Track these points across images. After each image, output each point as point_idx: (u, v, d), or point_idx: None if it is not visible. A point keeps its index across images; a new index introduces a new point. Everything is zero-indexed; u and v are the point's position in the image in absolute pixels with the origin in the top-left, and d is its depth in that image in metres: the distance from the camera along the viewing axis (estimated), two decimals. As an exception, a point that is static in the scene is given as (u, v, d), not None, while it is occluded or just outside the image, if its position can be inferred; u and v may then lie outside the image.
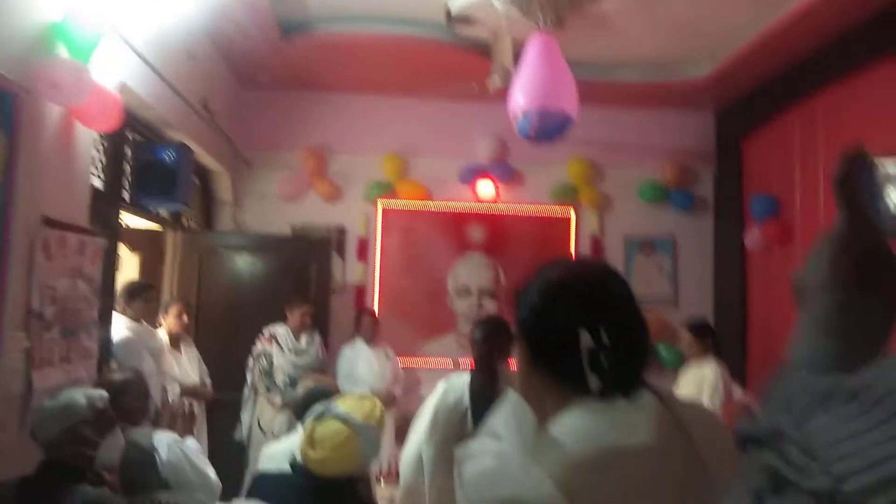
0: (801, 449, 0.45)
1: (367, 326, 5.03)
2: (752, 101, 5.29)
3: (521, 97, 3.48)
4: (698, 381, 4.00)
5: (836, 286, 0.62)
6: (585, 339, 0.91)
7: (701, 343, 4.10)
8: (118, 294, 3.78)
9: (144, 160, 3.79)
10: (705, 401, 3.81)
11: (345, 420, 2.23)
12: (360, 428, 2.23)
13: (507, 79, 3.93)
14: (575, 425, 0.89)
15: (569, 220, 5.85)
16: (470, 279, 5.80)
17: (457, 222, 5.79)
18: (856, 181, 0.60)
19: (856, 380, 0.46)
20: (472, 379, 2.34)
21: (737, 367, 4.57)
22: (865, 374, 0.46)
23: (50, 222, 2.64)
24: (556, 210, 5.83)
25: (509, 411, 0.93)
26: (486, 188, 5.73)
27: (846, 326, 0.60)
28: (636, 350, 0.96)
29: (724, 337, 5.34)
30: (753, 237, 5.09)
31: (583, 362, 0.91)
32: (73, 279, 2.83)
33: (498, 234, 5.80)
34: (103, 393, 2.27)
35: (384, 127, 5.69)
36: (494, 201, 5.80)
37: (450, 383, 2.44)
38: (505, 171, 5.73)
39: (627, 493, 0.84)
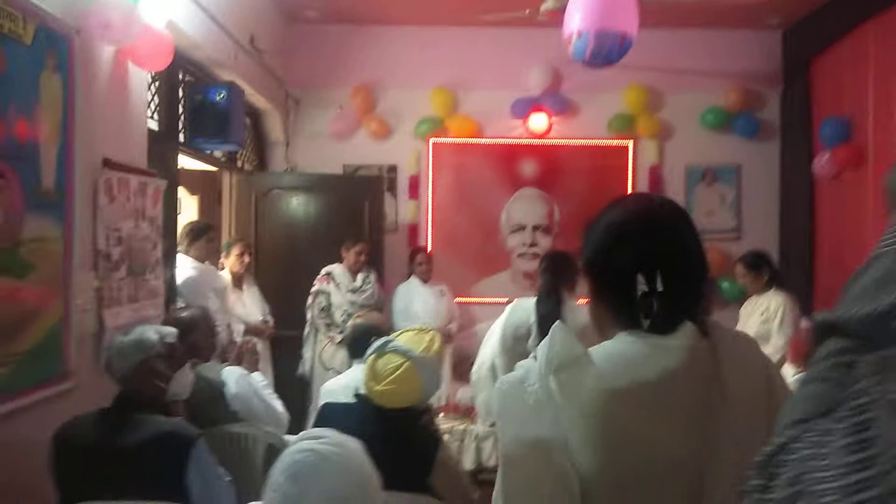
0: None
1: (421, 265, 5.03)
2: (822, 17, 4.93)
3: (577, 17, 3.31)
4: (761, 314, 3.89)
5: None
6: (641, 283, 0.99)
7: (757, 276, 3.97)
8: (180, 235, 3.86)
9: (196, 101, 3.79)
10: (773, 333, 3.71)
11: (404, 353, 2.24)
12: (419, 361, 2.24)
13: (561, 1, 3.74)
14: (608, 351, 1.00)
15: (626, 150, 5.65)
16: (523, 215, 5.71)
17: (509, 157, 5.67)
18: None
19: None
20: (538, 302, 2.45)
21: (803, 298, 4.41)
22: None
23: (110, 164, 2.68)
24: (612, 141, 5.64)
25: (550, 337, 1.00)
26: (538, 121, 5.57)
27: None
28: (689, 294, 1.02)
29: (791, 268, 5.17)
30: (822, 163, 4.83)
31: (636, 303, 0.99)
32: (136, 220, 2.88)
33: (552, 167, 5.66)
34: (173, 329, 2.32)
35: (433, 59, 5.56)
36: (547, 134, 5.64)
37: (518, 303, 2.56)
38: (558, 103, 5.54)
39: (643, 412, 0.95)
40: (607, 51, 3.30)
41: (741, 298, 4.83)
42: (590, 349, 1.00)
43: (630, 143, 5.64)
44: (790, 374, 3.13)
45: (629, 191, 5.66)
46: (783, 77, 5.54)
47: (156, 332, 2.25)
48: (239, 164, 5.15)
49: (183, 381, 2.29)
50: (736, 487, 0.69)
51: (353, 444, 1.19)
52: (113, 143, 2.75)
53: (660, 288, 0.98)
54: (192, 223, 4.06)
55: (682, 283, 1.01)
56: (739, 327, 4.00)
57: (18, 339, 2.13)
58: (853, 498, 0.41)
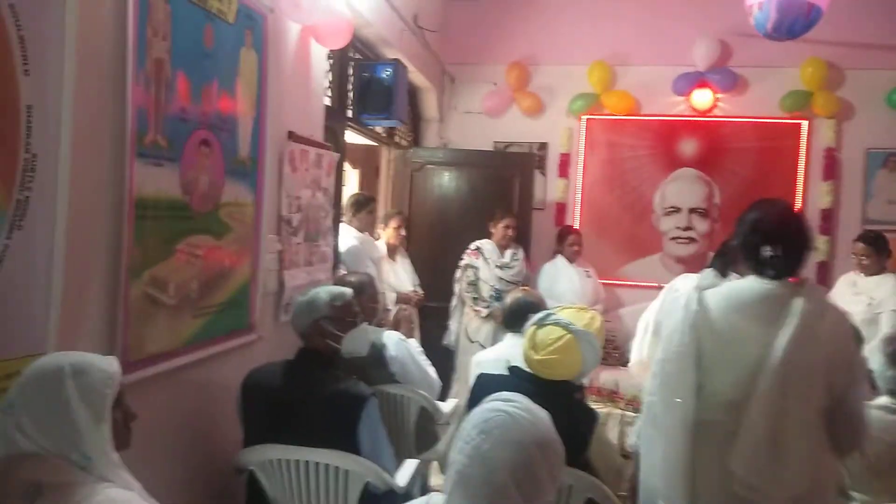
0: None
1: (572, 245, 4.98)
2: None
3: (759, -14, 3.11)
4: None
5: None
6: (765, 252, 1.87)
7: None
8: (346, 205, 4.08)
9: (364, 78, 3.97)
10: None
11: (566, 326, 2.25)
12: (580, 334, 2.24)
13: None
14: (737, 283, 1.98)
15: (799, 130, 5.25)
16: (679, 197, 5.48)
17: (668, 135, 5.45)
18: None
19: None
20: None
21: None
22: None
23: (294, 136, 2.88)
24: (784, 120, 5.26)
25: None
26: (702, 97, 5.29)
27: None
28: (793, 261, 1.89)
29: None
30: None
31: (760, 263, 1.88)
32: (313, 190, 3.09)
33: (714, 147, 5.37)
34: (348, 291, 2.47)
35: (590, 33, 5.42)
36: (711, 112, 5.36)
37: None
38: (725, 78, 5.24)
39: (742, 315, 1.87)
40: (791, 22, 3.07)
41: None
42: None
43: (804, 123, 5.22)
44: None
45: (801, 174, 5.26)
46: None
47: (327, 293, 2.41)
48: (396, 139, 5.34)
49: (356, 340, 2.43)
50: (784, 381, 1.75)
51: (540, 412, 1.22)
52: (296, 117, 2.95)
53: (777, 255, 1.86)
54: (356, 195, 4.27)
55: (788, 254, 1.88)
56: None
57: (216, 292, 2.37)
58: None
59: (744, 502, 1.77)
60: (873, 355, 2.36)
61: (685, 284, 2.37)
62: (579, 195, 5.63)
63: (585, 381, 5.00)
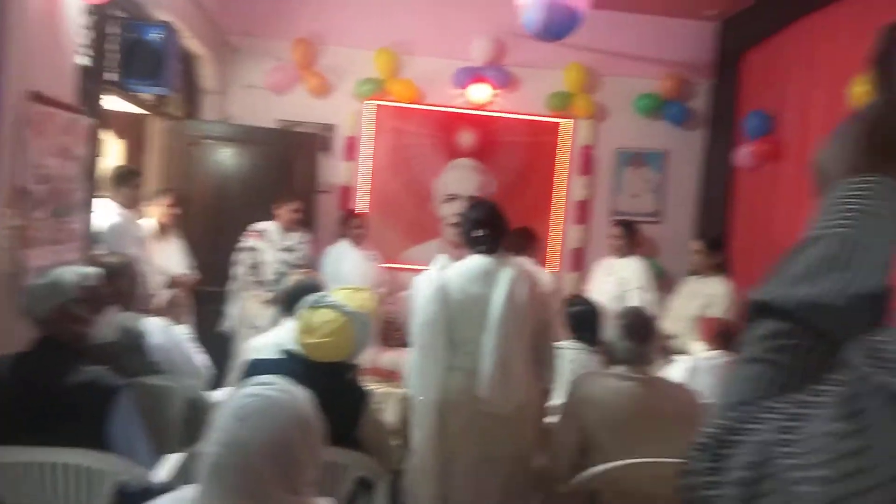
0: None
1: (356, 228, 5.00)
2: (755, 13, 5.14)
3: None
4: (706, 296, 4.07)
5: (861, 168, 0.57)
6: (476, 233, 2.68)
7: (711, 258, 4.18)
8: (108, 179, 3.70)
9: (130, 39, 3.61)
10: (714, 313, 3.92)
11: (339, 309, 2.26)
12: (354, 315, 2.27)
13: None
14: (464, 261, 2.71)
15: (562, 128, 5.76)
16: (458, 185, 5.75)
17: (448, 126, 5.68)
18: (894, 59, 0.55)
19: None
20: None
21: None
22: None
23: (38, 97, 2.54)
24: (550, 118, 5.74)
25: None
26: (480, 92, 5.59)
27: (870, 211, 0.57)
28: (496, 240, 2.67)
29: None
30: (744, 154, 5.08)
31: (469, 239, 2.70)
32: (61, 159, 2.75)
33: (490, 140, 5.71)
34: (96, 270, 2.25)
35: (378, 19, 5.47)
36: (488, 106, 5.68)
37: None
38: (500, 75, 5.58)
39: (465, 279, 2.67)
40: (558, 25, 3.35)
41: (666, 277, 5.11)
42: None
43: (567, 122, 5.75)
44: (700, 351, 3.32)
45: (563, 169, 5.78)
46: (715, 68, 5.75)
47: (75, 273, 2.18)
48: (168, 109, 4.94)
49: (107, 326, 2.23)
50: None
51: (300, 393, 1.21)
52: (42, 75, 2.59)
53: (483, 233, 2.64)
54: (120, 167, 3.90)
55: (492, 235, 2.66)
56: (676, 304, 4.25)
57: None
58: (838, 487, 0.39)
59: (485, 416, 2.56)
60: (609, 328, 2.68)
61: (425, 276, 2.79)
62: (365, 179, 5.67)
63: (365, 363, 5.11)
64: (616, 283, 4.58)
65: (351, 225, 5.02)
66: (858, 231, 0.55)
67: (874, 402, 0.40)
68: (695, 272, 4.29)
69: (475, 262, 2.66)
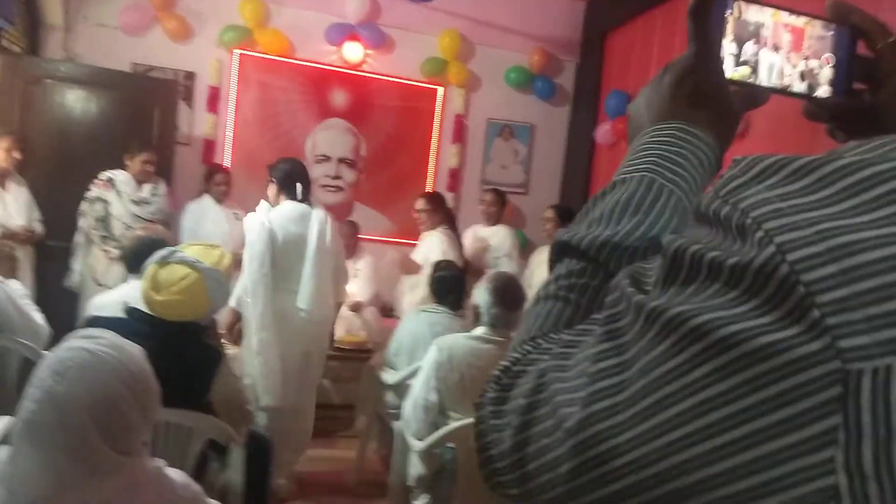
0: (723, 223, 0.40)
1: (219, 185, 4.76)
2: (621, -5, 5.37)
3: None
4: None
5: (669, 117, 0.59)
6: (298, 186, 3.41)
7: (561, 226, 4.35)
8: None
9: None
10: None
11: (192, 265, 2.15)
12: (208, 272, 2.16)
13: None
14: (281, 206, 3.36)
15: (435, 95, 5.76)
16: (329, 146, 5.62)
17: (320, 83, 5.51)
18: (710, 13, 0.56)
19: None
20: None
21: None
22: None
23: None
24: (424, 84, 5.71)
25: None
26: (353, 51, 5.46)
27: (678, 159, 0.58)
28: (307, 189, 3.42)
29: (566, 225, 5.70)
30: (604, 132, 5.33)
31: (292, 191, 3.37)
32: None
33: (363, 101, 5.60)
34: None
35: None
36: (361, 66, 5.57)
37: None
38: (374, 35, 5.47)
39: (289, 224, 3.30)
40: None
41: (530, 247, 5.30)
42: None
43: (440, 89, 5.75)
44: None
45: (435, 136, 5.80)
46: (581, 47, 5.97)
47: None
48: (3, 44, 4.42)
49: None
50: None
51: (131, 348, 1.13)
52: None
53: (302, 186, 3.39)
54: None
55: (305, 185, 3.40)
56: (528, 273, 4.39)
57: None
58: (595, 405, 0.40)
59: (306, 322, 3.23)
60: (479, 292, 2.73)
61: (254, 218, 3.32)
62: (230, 133, 5.40)
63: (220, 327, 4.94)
64: (483, 248, 4.71)
65: (214, 181, 4.78)
66: (659, 175, 0.57)
67: (631, 319, 0.41)
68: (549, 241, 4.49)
69: (294, 206, 3.31)
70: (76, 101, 4.62)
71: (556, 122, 6.05)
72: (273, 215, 3.26)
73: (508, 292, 2.69)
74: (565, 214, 4.46)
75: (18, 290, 2.87)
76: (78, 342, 1.06)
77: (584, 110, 5.85)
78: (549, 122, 6.03)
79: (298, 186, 3.34)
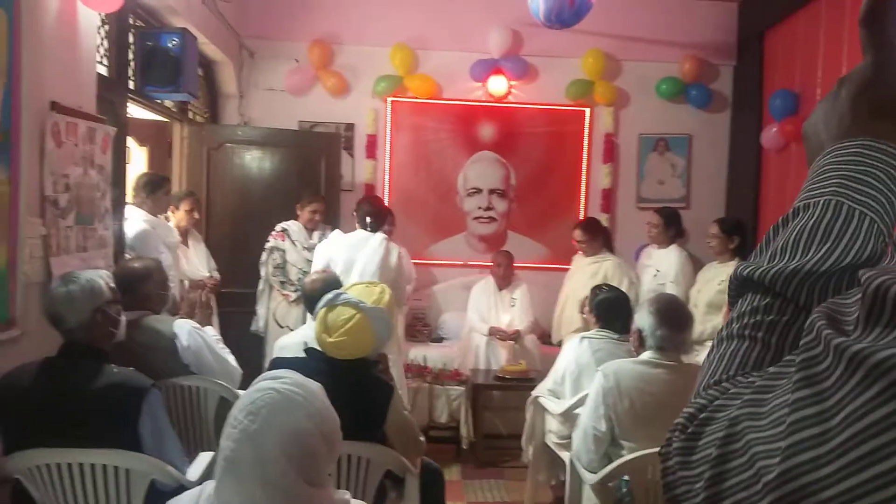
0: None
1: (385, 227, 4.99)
2: (777, -10, 5.03)
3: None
4: (719, 283, 3.96)
5: (852, 133, 0.54)
6: (367, 219, 4.26)
7: (727, 241, 4.08)
8: (136, 186, 3.76)
9: (148, 47, 3.66)
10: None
11: (355, 305, 2.26)
12: (370, 311, 2.26)
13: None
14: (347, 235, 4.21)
15: (583, 116, 5.70)
16: (480, 179, 5.73)
17: (468, 119, 5.66)
18: (885, 17, 0.52)
19: None
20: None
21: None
22: None
23: (58, 108, 2.58)
24: (569, 107, 5.68)
25: None
26: (497, 84, 5.56)
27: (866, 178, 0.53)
28: (381, 222, 4.31)
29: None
30: (771, 135, 4.98)
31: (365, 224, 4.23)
32: (84, 167, 2.80)
33: (510, 131, 5.68)
34: (107, 272, 2.29)
35: (393, 16, 5.47)
36: (506, 98, 5.65)
37: None
38: (518, 66, 5.54)
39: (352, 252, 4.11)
40: (559, 11, 3.30)
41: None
42: None
43: (587, 110, 5.69)
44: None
45: (585, 157, 5.73)
46: (737, 49, 5.65)
47: (99, 277, 2.21)
48: (190, 115, 5.01)
49: (138, 328, 2.26)
50: None
51: (312, 386, 1.21)
52: (61, 85, 2.64)
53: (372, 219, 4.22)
54: (148, 174, 3.95)
55: (376, 219, 4.23)
56: (693, 291, 4.16)
57: (-39, 283, 2.07)
58: (798, 457, 0.37)
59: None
60: (641, 316, 2.62)
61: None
62: (387, 176, 5.68)
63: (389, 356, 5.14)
64: (652, 274, 4.51)
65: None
66: (846, 198, 0.52)
67: (830, 364, 0.38)
68: (716, 256, 4.20)
69: (355, 234, 4.07)
70: (252, 161, 5.09)
71: (716, 130, 5.74)
72: (335, 240, 4.08)
73: (674, 313, 2.57)
74: (732, 228, 4.17)
75: (213, 335, 3.16)
76: (266, 383, 1.15)
77: (746, 115, 5.50)
78: (708, 131, 5.74)
79: (368, 219, 4.12)
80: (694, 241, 5.51)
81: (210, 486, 1.20)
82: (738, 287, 0.55)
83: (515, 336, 4.69)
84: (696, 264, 5.11)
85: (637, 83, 5.67)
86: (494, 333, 4.74)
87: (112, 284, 2.21)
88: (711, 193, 5.76)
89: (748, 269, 0.53)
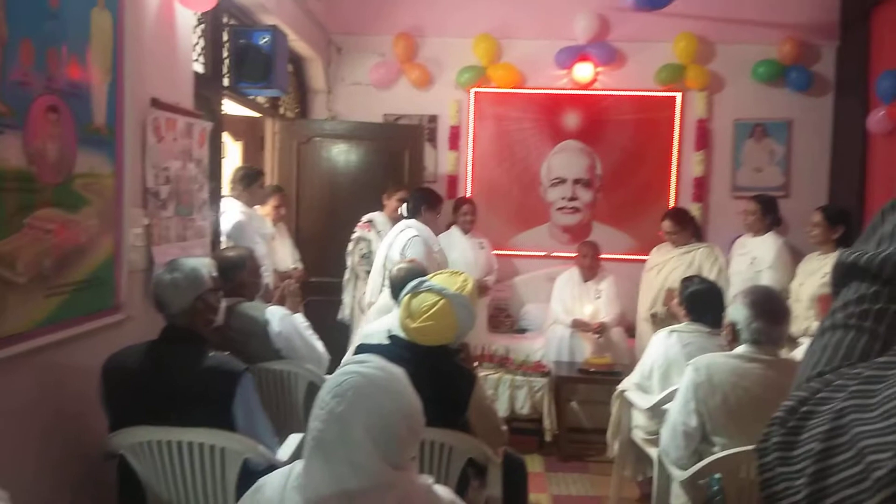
0: None
1: (465, 215, 5.02)
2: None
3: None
4: (822, 276, 3.73)
5: None
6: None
7: (831, 231, 3.84)
8: (233, 179, 3.92)
9: (240, 45, 3.80)
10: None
11: (439, 291, 2.26)
12: (454, 298, 2.26)
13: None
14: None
15: (674, 102, 5.51)
16: (564, 169, 5.64)
17: (552, 108, 5.58)
18: None
19: None
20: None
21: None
22: None
23: (158, 104, 2.73)
24: (659, 92, 5.49)
25: None
26: (583, 71, 5.44)
27: None
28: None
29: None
30: (878, 119, 4.64)
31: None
32: (183, 161, 2.94)
33: (595, 119, 5.55)
34: (210, 261, 2.39)
35: (476, 6, 5.45)
36: (592, 85, 5.52)
37: None
38: (605, 52, 5.41)
39: None
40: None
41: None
42: None
43: (678, 95, 5.49)
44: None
45: (675, 145, 5.53)
46: (840, 28, 5.29)
47: (204, 265, 2.31)
48: (281, 111, 5.17)
49: (233, 314, 2.36)
50: None
51: (395, 369, 1.22)
52: (160, 83, 2.79)
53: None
54: (244, 168, 4.11)
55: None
56: (795, 284, 3.94)
57: (73, 270, 2.22)
58: None
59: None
60: (735, 308, 2.51)
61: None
62: (470, 167, 5.68)
63: (476, 350, 5.15)
64: (748, 262, 4.31)
65: (459, 212, 5.05)
66: None
67: None
68: (817, 247, 3.94)
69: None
70: (339, 154, 5.21)
71: (818, 114, 5.41)
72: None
73: (770, 305, 2.44)
74: (837, 217, 3.91)
75: (302, 323, 3.25)
76: (352, 366, 1.18)
77: (850, 98, 5.16)
78: (809, 116, 5.42)
79: (405, 206, 4.24)
80: (794, 232, 5.22)
81: (299, 465, 1.23)
82: (843, 275, 0.52)
83: (600, 329, 4.60)
84: (795, 255, 4.83)
85: (732, 66, 5.42)
86: (578, 326, 4.67)
87: (214, 273, 2.31)
88: (813, 182, 5.44)
89: (853, 256, 0.51)
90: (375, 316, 3.54)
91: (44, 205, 2.04)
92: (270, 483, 1.27)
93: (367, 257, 4.69)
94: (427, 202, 4.21)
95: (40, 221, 2.03)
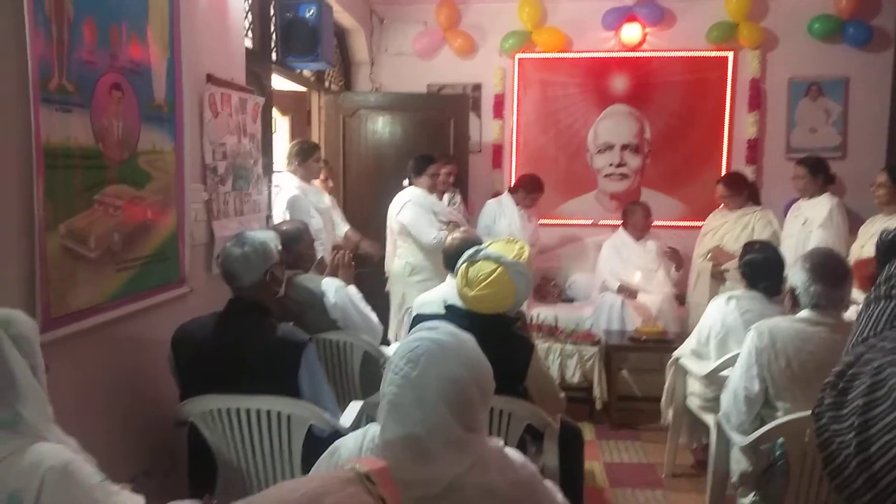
0: None
1: (526, 198, 4.95)
2: None
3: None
4: None
5: None
6: None
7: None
8: (289, 154, 3.96)
9: (287, 18, 3.82)
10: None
11: (496, 259, 2.26)
12: (510, 265, 2.25)
13: None
14: None
15: (726, 62, 5.34)
16: (611, 134, 5.55)
17: (599, 72, 5.47)
18: None
19: None
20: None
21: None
22: None
23: (213, 80, 2.77)
24: (711, 52, 5.33)
25: None
26: (631, 32, 5.31)
27: None
28: None
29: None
30: (946, 73, 4.42)
31: None
32: (238, 136, 2.99)
33: (644, 82, 5.43)
34: (275, 234, 2.43)
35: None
36: (640, 47, 5.39)
37: None
38: (653, 12, 5.26)
39: None
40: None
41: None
42: None
43: (730, 55, 5.32)
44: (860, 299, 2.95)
45: (728, 106, 5.38)
46: (906, -22, 5.05)
47: (272, 239, 2.35)
48: (326, 84, 5.19)
49: (290, 286, 2.40)
50: None
51: (465, 336, 1.24)
52: (215, 59, 2.83)
53: None
54: (300, 142, 4.13)
55: None
56: (856, 247, 3.82)
57: (141, 245, 2.29)
58: None
59: None
60: (794, 272, 2.46)
61: None
62: (514, 136, 5.63)
63: (526, 315, 5.15)
64: (801, 223, 4.21)
65: (518, 195, 4.94)
66: None
67: None
68: (880, 208, 3.79)
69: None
70: (384, 126, 5.22)
71: (877, 71, 5.20)
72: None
73: (829, 268, 2.38)
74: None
75: (356, 294, 3.30)
76: (424, 333, 1.20)
77: (914, 52, 4.93)
78: (868, 73, 5.21)
79: (412, 176, 4.30)
80: (852, 194, 5.07)
81: (373, 428, 1.26)
82: (886, 251, 0.55)
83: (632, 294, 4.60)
84: (853, 218, 4.68)
85: (786, 23, 5.22)
86: (622, 291, 4.63)
87: (279, 247, 2.35)
88: (871, 141, 5.24)
89: (893, 234, 0.53)
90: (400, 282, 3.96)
91: (111, 181, 2.10)
92: (346, 445, 1.31)
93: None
94: (414, 169, 4.35)
95: (109, 198, 2.09)
